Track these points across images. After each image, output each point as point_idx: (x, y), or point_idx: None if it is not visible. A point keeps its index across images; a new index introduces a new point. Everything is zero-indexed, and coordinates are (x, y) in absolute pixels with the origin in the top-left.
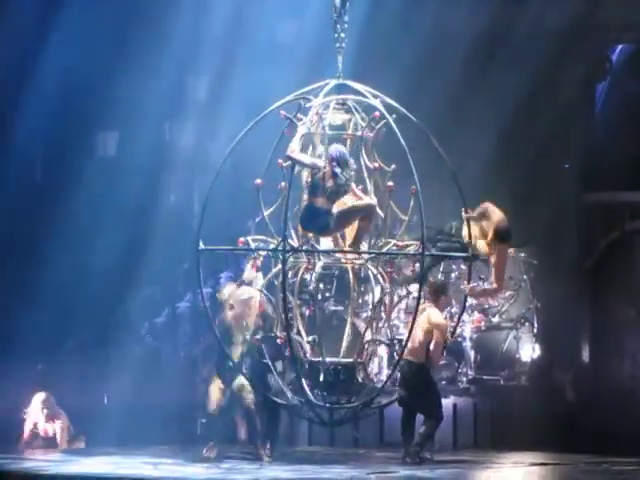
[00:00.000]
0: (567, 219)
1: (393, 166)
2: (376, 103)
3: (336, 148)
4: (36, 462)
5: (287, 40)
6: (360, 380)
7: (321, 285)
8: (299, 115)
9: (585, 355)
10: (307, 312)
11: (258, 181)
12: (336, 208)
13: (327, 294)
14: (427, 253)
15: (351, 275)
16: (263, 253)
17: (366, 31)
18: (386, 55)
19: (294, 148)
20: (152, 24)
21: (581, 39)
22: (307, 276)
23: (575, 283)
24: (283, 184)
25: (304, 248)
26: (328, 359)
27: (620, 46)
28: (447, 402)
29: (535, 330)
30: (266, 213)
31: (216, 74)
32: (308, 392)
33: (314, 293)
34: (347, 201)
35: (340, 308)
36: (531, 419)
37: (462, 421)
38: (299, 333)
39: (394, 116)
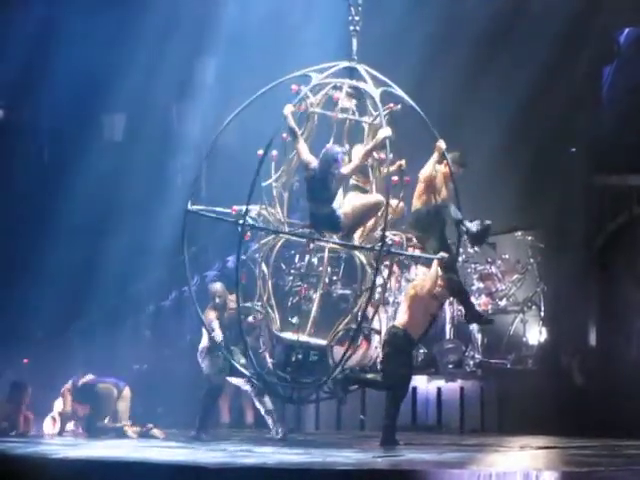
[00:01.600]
0: (575, 202)
1: (403, 161)
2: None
3: (334, 148)
4: (42, 446)
5: (297, 24)
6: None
7: (329, 269)
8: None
9: (592, 338)
10: (302, 293)
11: (260, 152)
12: (346, 207)
13: (334, 277)
14: (385, 249)
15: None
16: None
17: (373, 20)
18: (398, 36)
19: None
20: (160, 6)
21: (588, 22)
22: (314, 259)
23: (582, 266)
24: (285, 135)
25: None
26: (301, 338)
27: (627, 29)
28: (454, 385)
29: (542, 313)
30: (268, 182)
31: (224, 57)
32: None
33: (319, 276)
34: (354, 199)
35: (347, 292)
36: (538, 402)
37: (469, 404)
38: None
39: (399, 107)
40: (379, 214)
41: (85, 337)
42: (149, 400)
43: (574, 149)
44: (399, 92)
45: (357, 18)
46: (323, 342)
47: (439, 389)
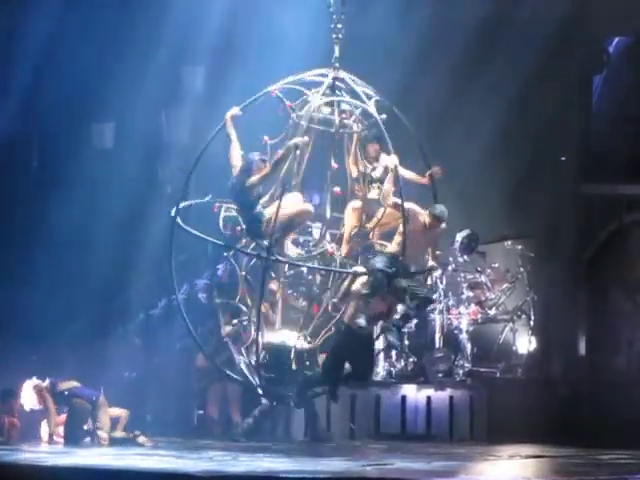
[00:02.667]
0: (565, 211)
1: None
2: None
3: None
4: (33, 454)
5: (284, 30)
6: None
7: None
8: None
9: (582, 347)
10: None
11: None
12: (270, 214)
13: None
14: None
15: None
16: None
17: (363, 22)
18: (387, 40)
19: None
20: (148, 14)
21: (578, 31)
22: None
23: (572, 275)
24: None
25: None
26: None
27: (617, 38)
28: (444, 394)
29: (532, 322)
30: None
31: (212, 64)
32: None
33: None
34: (284, 207)
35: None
36: (527, 411)
37: (458, 413)
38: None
39: (384, 116)
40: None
41: (74, 345)
42: (138, 408)
43: (564, 157)
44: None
45: (340, 26)
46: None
47: (429, 398)
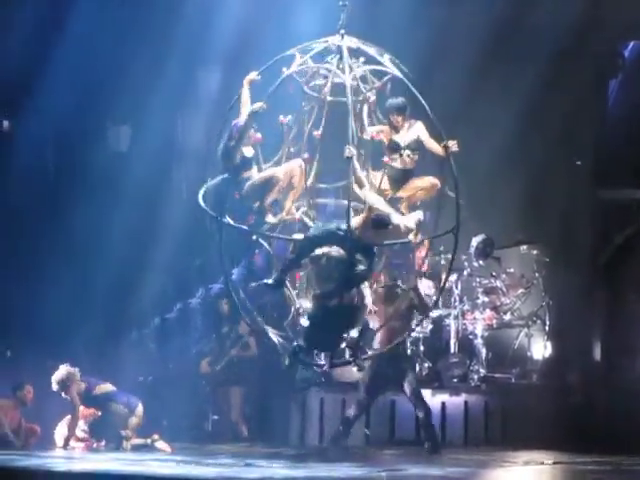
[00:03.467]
0: (581, 216)
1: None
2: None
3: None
4: (45, 459)
5: (300, 32)
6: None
7: None
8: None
9: (597, 353)
10: None
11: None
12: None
13: None
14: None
15: None
16: None
17: (374, 22)
18: (397, 43)
19: None
20: (163, 17)
21: (594, 35)
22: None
23: (588, 280)
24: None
25: None
26: None
27: (632, 43)
28: (458, 400)
29: (547, 328)
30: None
31: (228, 67)
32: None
33: None
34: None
35: None
36: (543, 417)
37: (473, 419)
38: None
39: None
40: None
41: (90, 349)
42: (154, 412)
43: (579, 162)
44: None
45: None
46: None
47: (443, 403)
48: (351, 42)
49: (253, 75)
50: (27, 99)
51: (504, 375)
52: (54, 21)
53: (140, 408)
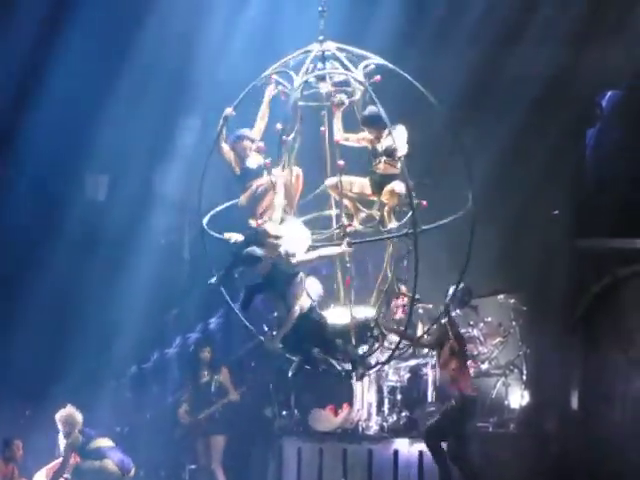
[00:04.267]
0: (557, 265)
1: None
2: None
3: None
4: None
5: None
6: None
7: None
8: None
9: (574, 402)
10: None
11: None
12: None
13: None
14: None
15: None
16: None
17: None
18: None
19: None
20: (140, 67)
21: (571, 85)
22: None
23: (565, 329)
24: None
25: None
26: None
27: (609, 92)
28: None
29: (524, 377)
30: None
31: (203, 117)
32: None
33: None
34: None
35: None
36: (520, 466)
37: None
38: None
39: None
40: None
41: (67, 399)
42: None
43: (557, 211)
44: (379, 60)
45: None
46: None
47: (421, 452)
48: (330, 46)
49: (228, 111)
50: (5, 149)
51: (482, 424)
52: (32, 71)
53: (133, 472)
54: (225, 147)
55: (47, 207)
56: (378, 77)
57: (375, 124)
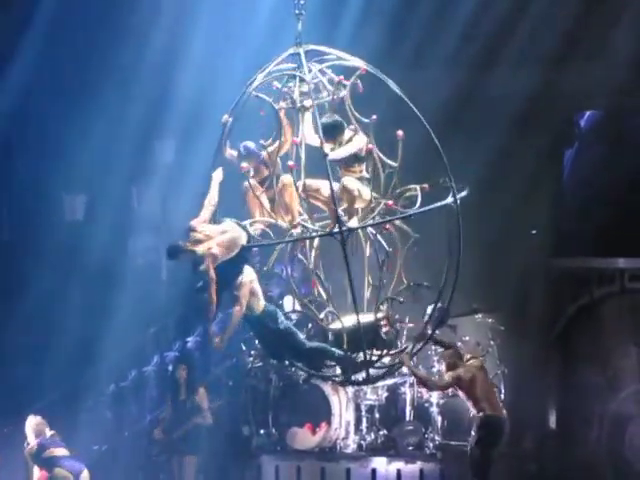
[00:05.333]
0: (535, 285)
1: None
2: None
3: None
4: None
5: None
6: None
7: None
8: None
9: (552, 421)
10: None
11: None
12: None
13: None
14: None
15: None
16: None
17: None
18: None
19: None
20: (118, 88)
21: (549, 105)
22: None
23: (542, 349)
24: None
25: None
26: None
27: (588, 112)
28: (414, 468)
29: (502, 396)
30: None
31: (183, 137)
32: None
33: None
34: None
35: None
36: None
37: None
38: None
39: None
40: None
41: (44, 418)
42: None
43: (534, 231)
44: (357, 62)
45: (302, 2)
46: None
47: (399, 471)
48: (308, 48)
49: (225, 118)
50: None
51: (460, 443)
52: (9, 92)
53: (85, 473)
54: (229, 151)
55: (25, 226)
56: (364, 68)
57: (327, 134)
